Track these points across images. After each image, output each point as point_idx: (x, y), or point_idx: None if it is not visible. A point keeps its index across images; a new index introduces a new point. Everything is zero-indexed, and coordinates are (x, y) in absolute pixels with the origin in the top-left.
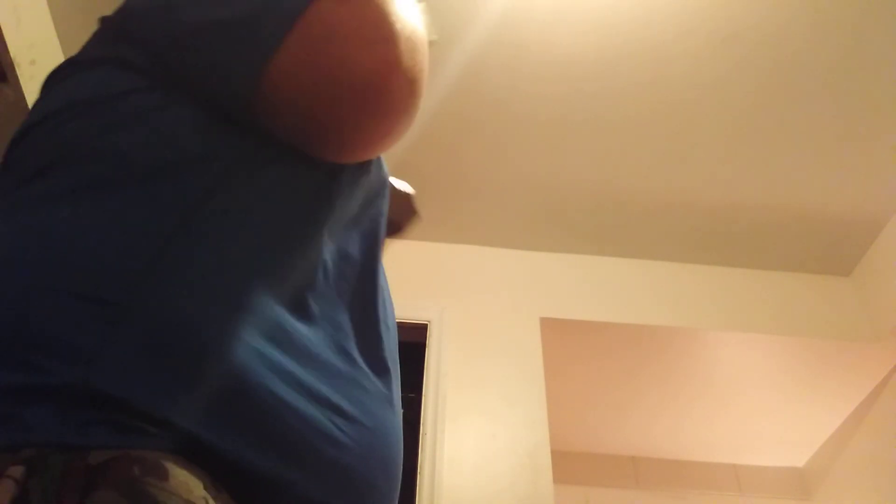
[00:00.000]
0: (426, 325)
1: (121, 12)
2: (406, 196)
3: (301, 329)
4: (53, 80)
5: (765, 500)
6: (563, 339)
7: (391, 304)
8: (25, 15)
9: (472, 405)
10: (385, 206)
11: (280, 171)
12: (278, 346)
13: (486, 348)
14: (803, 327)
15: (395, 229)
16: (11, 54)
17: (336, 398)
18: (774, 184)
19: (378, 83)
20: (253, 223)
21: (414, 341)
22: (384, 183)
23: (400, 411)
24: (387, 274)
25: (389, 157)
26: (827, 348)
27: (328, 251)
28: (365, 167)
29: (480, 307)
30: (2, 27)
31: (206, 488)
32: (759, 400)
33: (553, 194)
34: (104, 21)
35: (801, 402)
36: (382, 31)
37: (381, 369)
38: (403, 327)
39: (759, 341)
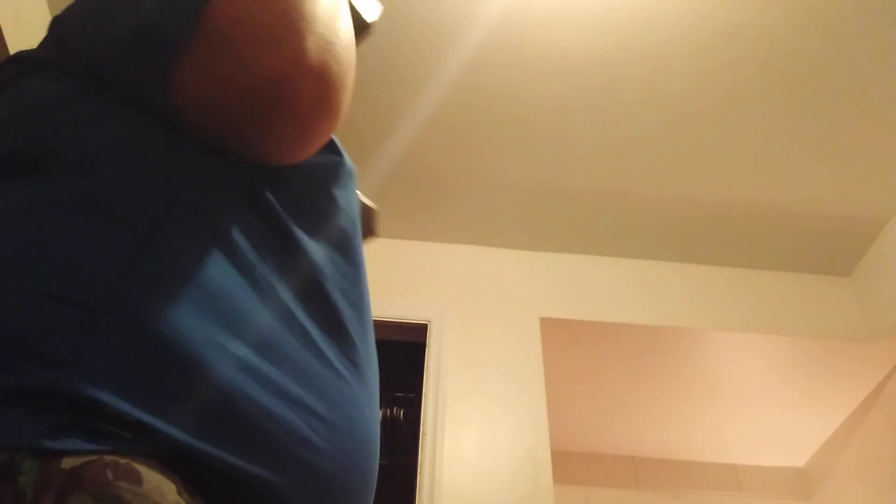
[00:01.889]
0: (426, 325)
1: (63, 15)
2: (368, 210)
3: (275, 329)
4: (4, 77)
5: (765, 500)
6: (563, 339)
7: (369, 302)
8: (25, 15)
9: (472, 405)
10: (355, 198)
11: (242, 173)
12: (252, 346)
13: (487, 348)
14: (803, 327)
15: None
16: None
17: (310, 399)
18: (775, 184)
19: (280, 85)
20: (224, 226)
21: (414, 341)
22: (350, 173)
23: (377, 413)
24: (387, 275)
25: (390, 158)
26: (827, 348)
27: (301, 247)
28: (323, 161)
29: (480, 307)
30: (2, 27)
31: (179, 493)
32: (759, 400)
33: (553, 194)
34: (53, 22)
35: (801, 402)
36: (284, 29)
37: (357, 370)
38: (403, 327)
39: (758, 341)
